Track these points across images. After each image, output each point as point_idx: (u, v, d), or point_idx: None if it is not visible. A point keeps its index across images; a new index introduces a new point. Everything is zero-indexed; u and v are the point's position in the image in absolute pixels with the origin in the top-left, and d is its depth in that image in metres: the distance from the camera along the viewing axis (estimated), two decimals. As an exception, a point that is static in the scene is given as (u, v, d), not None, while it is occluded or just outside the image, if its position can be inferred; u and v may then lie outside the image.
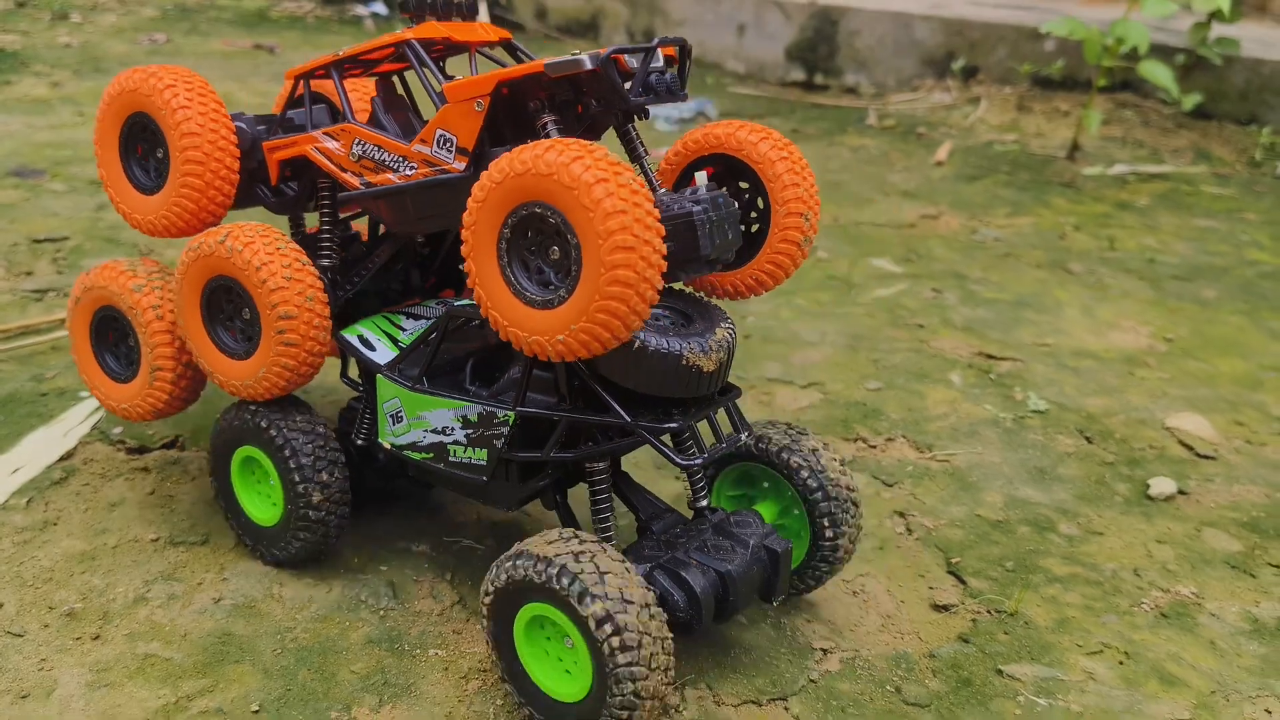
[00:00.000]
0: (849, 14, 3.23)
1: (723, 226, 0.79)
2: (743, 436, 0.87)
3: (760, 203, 0.89)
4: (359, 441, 0.99)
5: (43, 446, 1.15)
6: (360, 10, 4.22)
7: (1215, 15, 2.56)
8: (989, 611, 0.99)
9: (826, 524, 0.91)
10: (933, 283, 1.83)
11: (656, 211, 0.69)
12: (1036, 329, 1.65)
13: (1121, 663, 0.93)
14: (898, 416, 1.35)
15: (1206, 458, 1.30)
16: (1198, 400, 1.44)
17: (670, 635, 0.76)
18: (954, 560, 1.06)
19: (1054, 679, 0.90)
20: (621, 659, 0.73)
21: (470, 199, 0.74)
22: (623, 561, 0.77)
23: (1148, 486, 1.22)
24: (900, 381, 1.45)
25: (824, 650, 0.92)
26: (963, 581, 1.03)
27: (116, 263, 0.99)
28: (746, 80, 3.38)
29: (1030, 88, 3.03)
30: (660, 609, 0.76)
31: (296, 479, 0.93)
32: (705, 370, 0.80)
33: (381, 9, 4.21)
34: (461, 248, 0.76)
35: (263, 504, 0.99)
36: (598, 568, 0.75)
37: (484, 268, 0.75)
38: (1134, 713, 0.87)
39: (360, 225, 1.13)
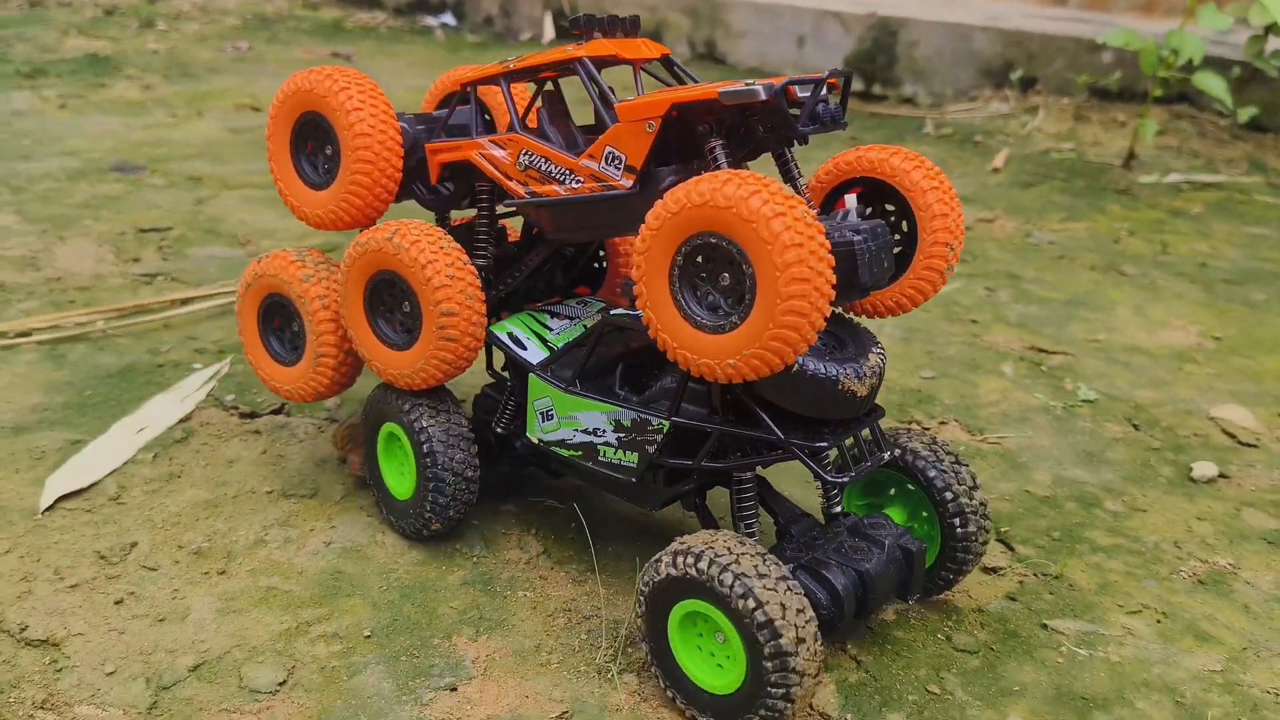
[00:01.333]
0: (908, 25, 3.29)
1: (879, 256, 0.81)
2: (885, 455, 0.91)
3: (905, 226, 0.92)
4: (499, 430, 1.05)
5: (163, 410, 1.27)
6: (430, 22, 4.36)
7: (1271, 29, 2.60)
8: (1035, 574, 1.06)
9: (958, 528, 0.94)
10: (987, 282, 1.89)
11: (828, 244, 0.72)
12: (1088, 326, 1.71)
13: (1159, 621, 1.00)
14: (950, 402, 1.42)
15: (1249, 445, 1.35)
16: (1242, 394, 1.50)
17: (820, 636, 0.80)
18: (1003, 530, 1.13)
19: (1095, 633, 0.97)
20: (779, 659, 0.77)
21: (645, 226, 0.78)
22: (778, 564, 0.80)
23: (1190, 469, 1.28)
24: (954, 371, 1.52)
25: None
26: (1011, 549, 1.10)
27: (286, 252, 1.05)
28: (806, 90, 3.46)
29: (1088, 98, 3.08)
30: (812, 610, 0.80)
31: (429, 463, 0.99)
32: (859, 395, 0.84)
33: (451, 20, 4.35)
34: (634, 272, 0.80)
35: (400, 479, 1.06)
36: (757, 570, 0.79)
37: (656, 292, 0.78)
38: (1169, 664, 0.94)
39: (507, 222, 1.18)
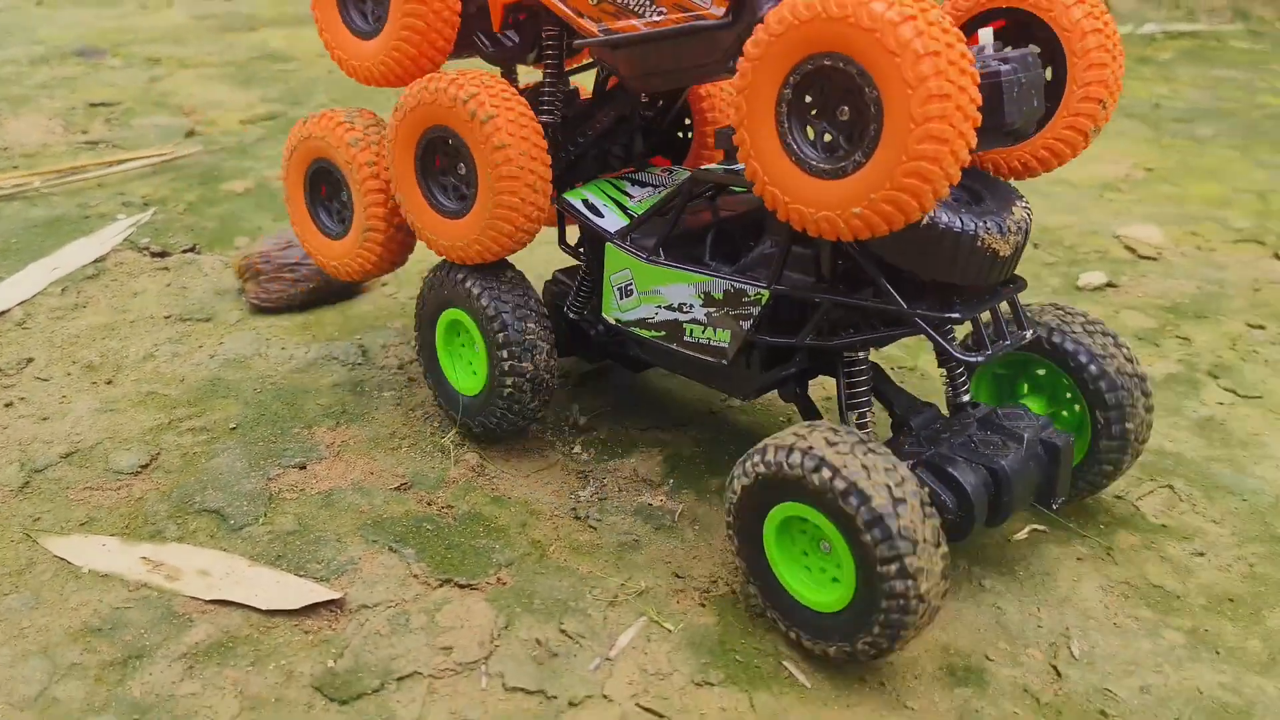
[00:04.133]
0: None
1: (1029, 92, 0.67)
2: (1027, 334, 0.76)
3: (1049, 73, 0.75)
4: (571, 315, 0.94)
5: (80, 251, 1.33)
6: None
7: None
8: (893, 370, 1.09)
9: (1114, 421, 0.79)
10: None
11: (970, 54, 0.59)
12: (1017, 162, 1.71)
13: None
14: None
15: (1148, 259, 1.36)
16: (1159, 216, 1.50)
17: (945, 540, 0.67)
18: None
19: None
20: (894, 563, 0.64)
21: (743, 58, 0.65)
22: (889, 455, 0.67)
23: (1078, 279, 1.29)
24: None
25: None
26: (875, 347, 1.13)
27: (334, 112, 0.93)
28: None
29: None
30: (934, 508, 0.67)
31: (504, 355, 0.88)
32: (1000, 255, 0.69)
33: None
34: (733, 116, 0.67)
35: (468, 374, 0.95)
36: (862, 463, 0.66)
37: (759, 136, 0.65)
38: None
39: (577, 82, 1.04)
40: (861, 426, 0.77)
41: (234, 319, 1.18)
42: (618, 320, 0.87)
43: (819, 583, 0.71)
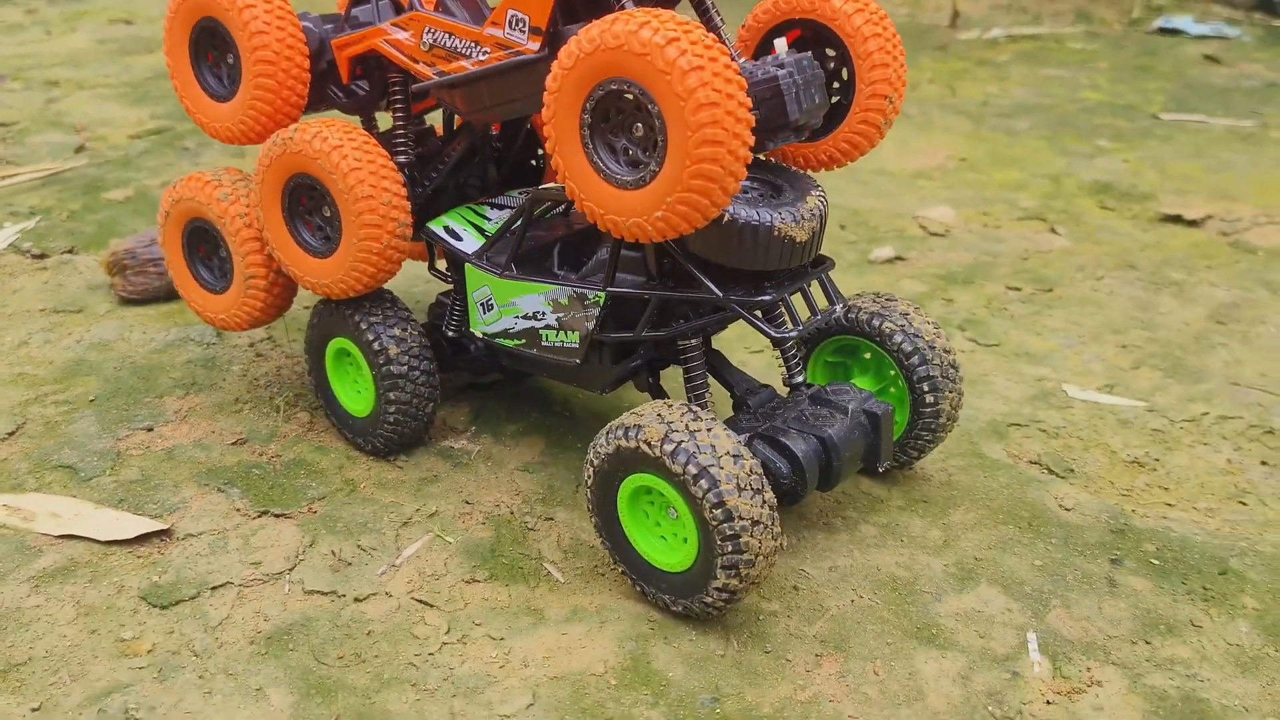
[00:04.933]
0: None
1: (809, 90, 0.77)
2: (837, 309, 0.88)
3: (845, 74, 0.86)
4: (450, 334, 1.02)
5: (-35, 257, 1.44)
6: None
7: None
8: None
9: (926, 389, 0.90)
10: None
11: (735, 64, 0.68)
12: (846, 156, 1.88)
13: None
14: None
15: (937, 235, 1.53)
16: (958, 199, 1.67)
17: (773, 495, 0.77)
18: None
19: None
20: (726, 524, 0.74)
21: (546, 91, 0.73)
22: (731, 434, 0.77)
23: (870, 253, 1.46)
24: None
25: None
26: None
27: (201, 174, 1.00)
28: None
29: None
30: (762, 472, 0.77)
31: (387, 380, 0.95)
32: (798, 241, 0.79)
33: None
34: (545, 144, 0.76)
35: (354, 395, 1.02)
36: (707, 443, 0.75)
37: (570, 159, 0.74)
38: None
39: (434, 122, 1.13)
40: (701, 406, 0.85)
41: (103, 310, 1.31)
42: (484, 334, 0.96)
43: (673, 548, 0.81)
